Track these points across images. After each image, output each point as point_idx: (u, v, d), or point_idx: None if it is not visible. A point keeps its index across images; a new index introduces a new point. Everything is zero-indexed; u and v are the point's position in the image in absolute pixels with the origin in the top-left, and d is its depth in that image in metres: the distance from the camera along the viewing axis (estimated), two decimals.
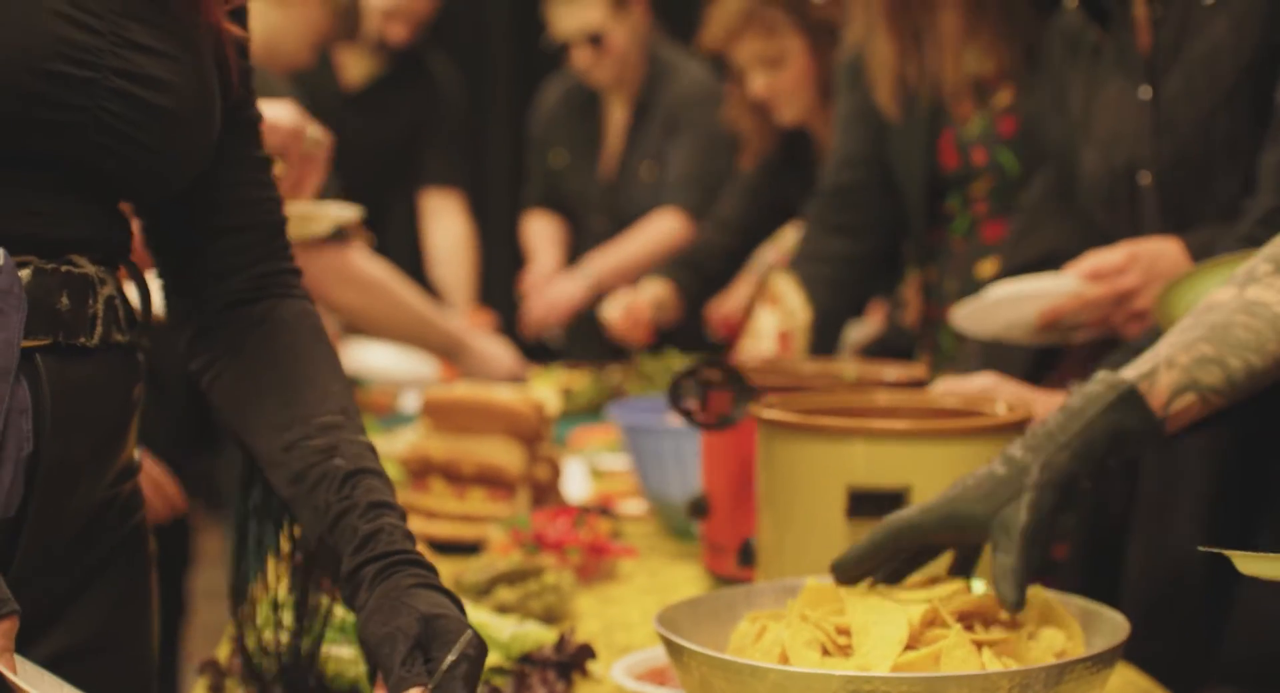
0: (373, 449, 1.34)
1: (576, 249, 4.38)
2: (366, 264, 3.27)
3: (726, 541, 1.94)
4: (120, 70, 1.25)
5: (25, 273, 1.24)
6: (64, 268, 1.26)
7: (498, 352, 3.51)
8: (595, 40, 4.11)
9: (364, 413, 3.27)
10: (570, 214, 4.45)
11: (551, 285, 4.17)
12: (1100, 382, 1.34)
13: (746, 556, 1.77)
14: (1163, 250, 1.93)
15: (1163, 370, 1.34)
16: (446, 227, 4.53)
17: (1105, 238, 2.06)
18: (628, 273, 4.10)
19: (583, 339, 4.30)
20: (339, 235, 3.21)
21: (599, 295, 4.09)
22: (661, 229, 4.11)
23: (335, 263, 3.21)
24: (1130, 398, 1.32)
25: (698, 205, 4.03)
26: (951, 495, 1.32)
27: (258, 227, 1.42)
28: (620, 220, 4.18)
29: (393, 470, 2.62)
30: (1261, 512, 1.82)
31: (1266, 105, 1.87)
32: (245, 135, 1.40)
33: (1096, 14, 2.07)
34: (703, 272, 3.82)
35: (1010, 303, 2.02)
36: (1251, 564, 1.20)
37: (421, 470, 2.30)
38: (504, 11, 5.90)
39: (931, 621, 1.29)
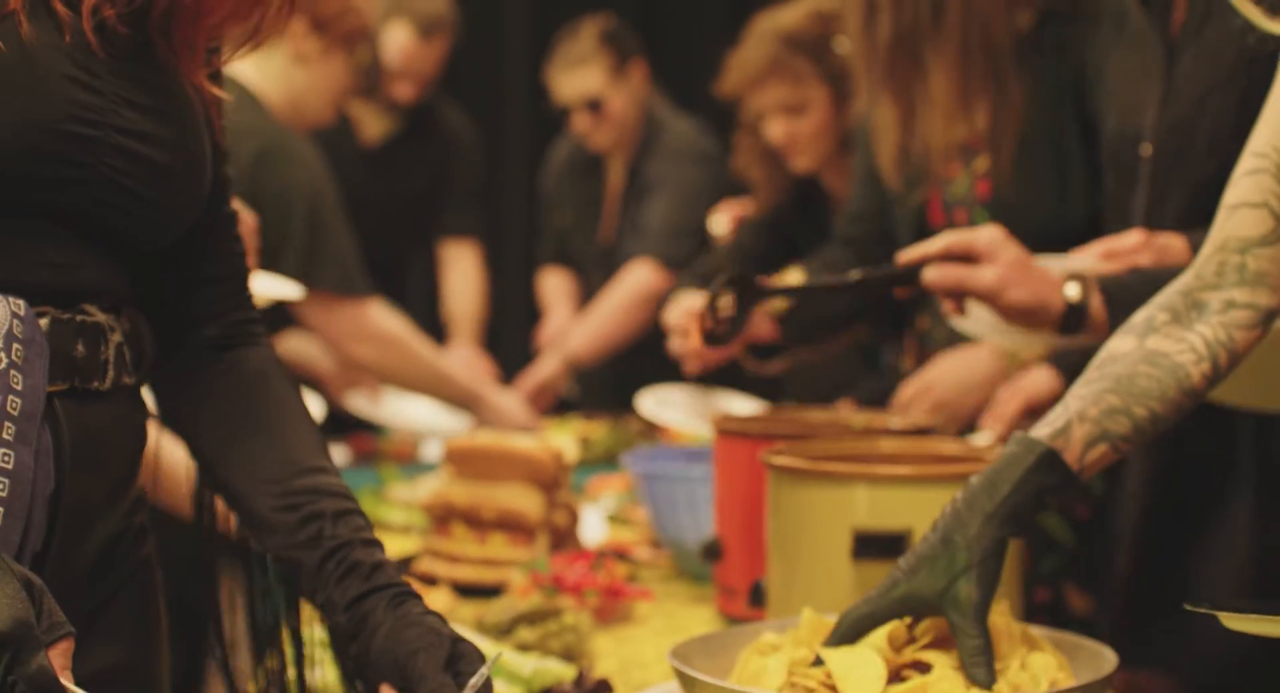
0: (348, 489, 1.44)
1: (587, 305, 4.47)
2: (384, 319, 3.36)
3: (738, 583, 2.02)
4: (121, 128, 1.33)
5: (44, 322, 1.31)
6: (78, 317, 1.34)
7: (511, 404, 3.61)
8: (594, 106, 4.24)
9: (387, 462, 3.38)
10: (581, 270, 4.54)
11: (527, 374, 4.23)
12: (1019, 444, 1.41)
13: (757, 596, 1.84)
14: (1170, 243, 1.99)
15: (1075, 425, 1.42)
16: (462, 272, 4.64)
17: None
18: (603, 336, 4.17)
19: (596, 390, 4.40)
20: (356, 288, 3.31)
21: (573, 368, 4.18)
22: (635, 282, 4.17)
23: (353, 318, 3.31)
24: (1048, 459, 1.40)
25: (673, 255, 4.11)
26: (897, 578, 1.38)
27: (232, 278, 1.52)
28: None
29: (416, 517, 2.71)
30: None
31: (1255, 104, 1.94)
32: (222, 191, 1.49)
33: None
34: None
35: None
36: (1239, 622, 1.28)
37: (444, 516, 2.38)
38: (521, 67, 6.00)
39: (906, 658, 1.36)
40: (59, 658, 1.11)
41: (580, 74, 4.24)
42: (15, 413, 1.26)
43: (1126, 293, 1.77)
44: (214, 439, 1.47)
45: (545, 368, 4.17)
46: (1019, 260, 1.81)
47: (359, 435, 3.71)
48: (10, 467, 1.26)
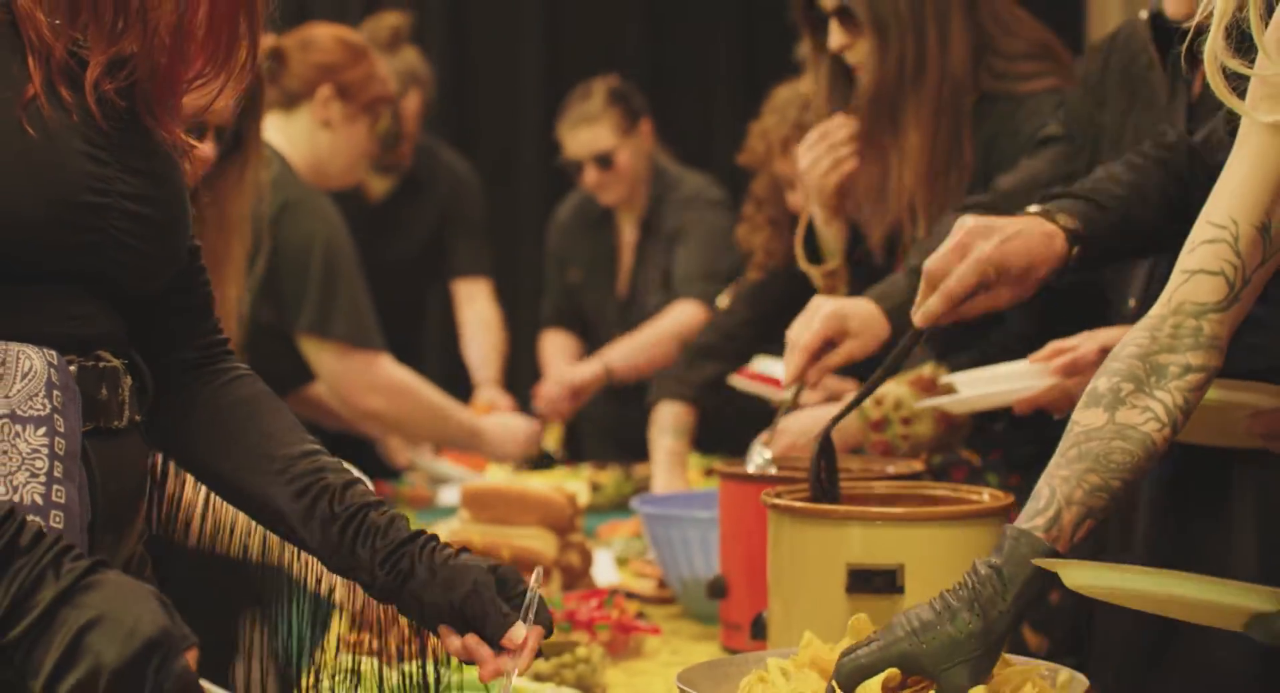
0: (344, 464, 1.60)
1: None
2: (394, 370, 3.49)
3: (742, 618, 2.14)
4: (125, 193, 1.47)
5: (73, 369, 1.45)
6: (99, 364, 1.48)
7: (510, 425, 3.75)
8: (605, 161, 4.40)
9: (404, 507, 3.51)
10: (587, 329, 4.68)
11: (566, 370, 4.39)
12: (1024, 543, 1.49)
13: (758, 628, 1.97)
14: (1114, 337, 2.12)
15: (1064, 511, 1.51)
16: (476, 311, 4.79)
17: None
18: (641, 358, 4.30)
19: (605, 441, 4.54)
20: (369, 341, 3.44)
21: (610, 380, 4.32)
22: (681, 318, 4.32)
23: (365, 369, 3.43)
24: (1049, 555, 1.49)
25: (711, 296, 4.25)
26: (899, 636, 1.47)
27: (201, 304, 1.66)
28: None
29: None
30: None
31: None
32: (189, 227, 1.62)
33: (1164, 52, 2.22)
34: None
35: (980, 399, 2.23)
36: (1076, 575, 1.43)
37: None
38: (533, 117, 6.15)
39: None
40: (190, 663, 1.26)
41: (591, 131, 4.41)
42: (62, 453, 1.41)
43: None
44: (209, 447, 1.62)
45: (585, 370, 4.33)
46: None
47: (376, 482, 3.84)
48: (63, 501, 1.40)
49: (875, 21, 2.59)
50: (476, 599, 1.50)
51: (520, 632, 1.52)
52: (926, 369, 2.58)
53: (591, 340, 4.68)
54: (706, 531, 2.37)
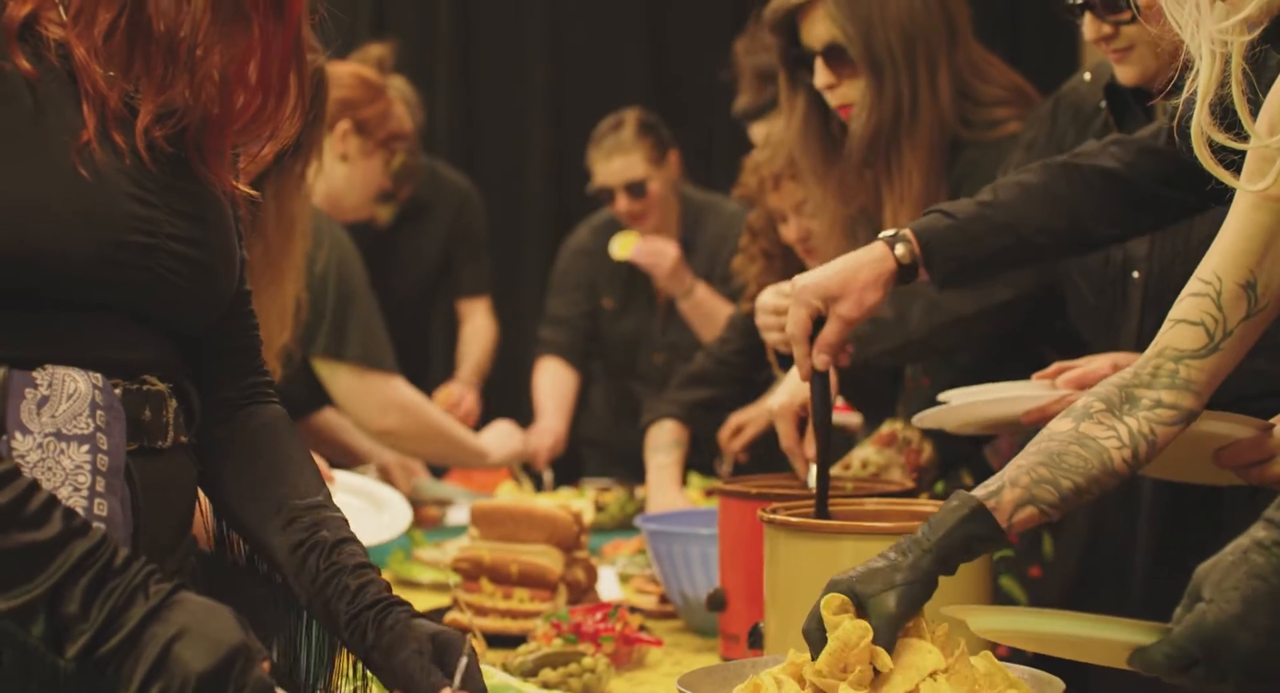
0: (346, 521, 1.72)
1: (627, 387, 4.71)
2: (407, 390, 3.60)
3: (740, 630, 2.24)
4: (173, 235, 1.57)
5: (118, 392, 1.55)
6: (144, 387, 1.58)
7: (502, 432, 3.87)
8: (638, 190, 4.53)
9: (414, 528, 3.60)
10: (599, 356, 4.81)
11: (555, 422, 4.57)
12: (957, 498, 1.66)
13: (755, 638, 2.06)
14: (1126, 357, 2.21)
15: (1007, 489, 1.67)
16: (474, 325, 4.98)
17: None
18: None
19: (608, 460, 4.66)
20: (384, 363, 3.55)
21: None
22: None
23: (381, 390, 3.54)
24: (980, 513, 1.65)
25: None
26: (852, 576, 1.63)
27: (248, 346, 1.78)
28: (679, 352, 4.50)
29: (446, 575, 2.93)
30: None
31: None
32: (241, 271, 1.74)
33: (1119, 114, 2.35)
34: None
35: (988, 404, 2.31)
36: (980, 620, 1.58)
37: (473, 572, 2.60)
38: (539, 147, 6.26)
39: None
40: (264, 672, 1.39)
41: (624, 160, 4.55)
42: (104, 469, 1.51)
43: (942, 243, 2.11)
44: (231, 484, 1.73)
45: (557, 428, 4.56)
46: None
47: None
48: (104, 514, 1.50)
49: (871, 63, 2.65)
50: (410, 665, 1.60)
51: None
52: (885, 427, 2.67)
53: (612, 364, 4.80)
54: (707, 547, 2.47)
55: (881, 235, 2.16)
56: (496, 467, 3.97)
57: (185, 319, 1.63)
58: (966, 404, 2.28)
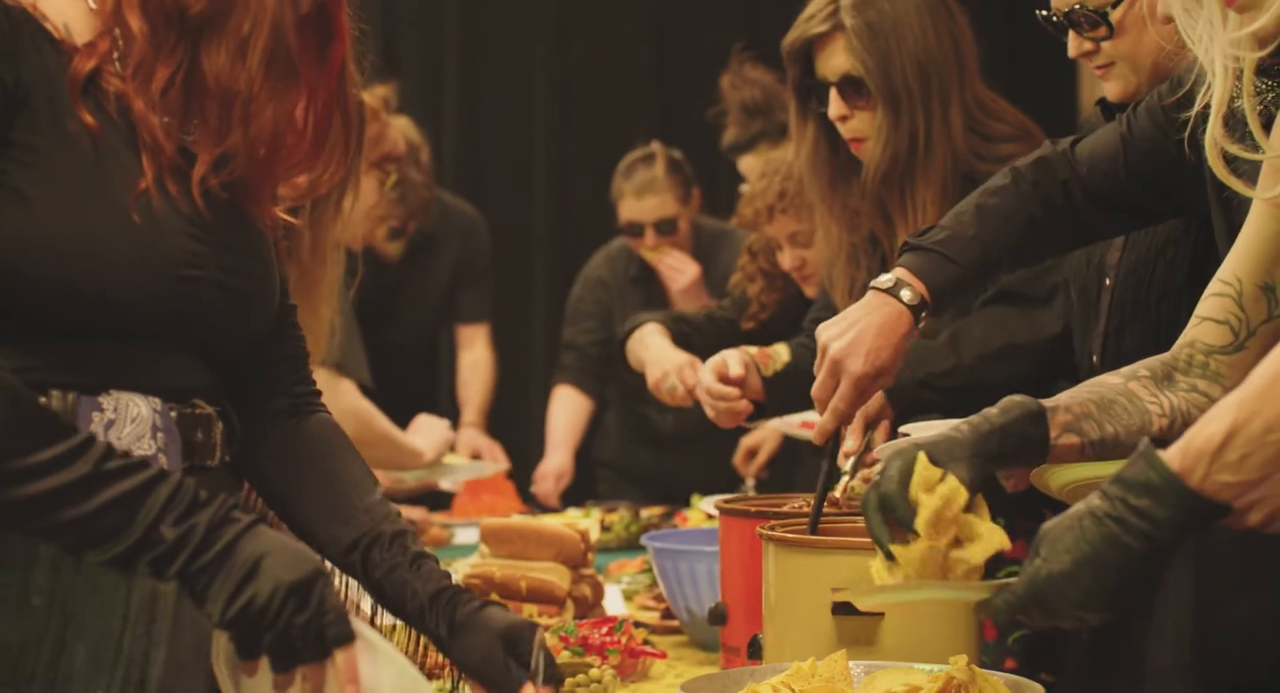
0: (400, 513, 1.83)
1: (640, 411, 4.83)
2: (359, 397, 3.71)
3: (740, 643, 2.34)
4: (220, 267, 1.69)
5: (173, 415, 1.67)
6: (195, 411, 1.70)
7: (428, 428, 3.98)
8: (668, 227, 4.71)
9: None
10: (614, 380, 4.93)
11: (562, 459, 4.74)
12: (1017, 400, 1.77)
13: (754, 649, 2.16)
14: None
15: (1060, 411, 1.79)
16: (473, 356, 5.10)
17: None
18: None
19: (617, 481, 4.78)
20: (353, 374, 3.67)
21: None
22: None
23: (345, 396, 3.63)
24: (1038, 417, 1.77)
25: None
26: (922, 444, 1.72)
27: (295, 356, 1.89)
28: None
29: None
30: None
31: (1207, 257, 2.29)
32: (283, 286, 1.86)
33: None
34: None
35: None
36: (868, 598, 1.76)
37: (483, 588, 2.70)
38: (545, 179, 6.37)
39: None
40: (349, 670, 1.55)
41: (657, 198, 4.72)
42: None
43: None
44: (284, 486, 1.85)
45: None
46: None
47: None
48: None
49: (888, 95, 2.70)
50: (488, 665, 1.72)
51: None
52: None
53: (626, 389, 4.91)
54: (710, 563, 2.57)
55: (877, 286, 2.22)
56: (430, 464, 4.06)
57: (229, 345, 1.75)
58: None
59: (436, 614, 1.75)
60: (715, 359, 2.85)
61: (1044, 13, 2.43)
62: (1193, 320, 1.84)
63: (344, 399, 3.63)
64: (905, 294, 2.20)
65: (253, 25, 1.63)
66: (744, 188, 4.22)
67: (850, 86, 2.74)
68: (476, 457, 4.65)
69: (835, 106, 2.75)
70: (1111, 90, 2.42)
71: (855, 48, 2.70)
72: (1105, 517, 1.49)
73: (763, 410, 2.96)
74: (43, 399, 1.57)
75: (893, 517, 1.69)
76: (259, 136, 1.66)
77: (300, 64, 1.67)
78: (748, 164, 4.40)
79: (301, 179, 1.79)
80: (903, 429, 2.37)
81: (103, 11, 1.63)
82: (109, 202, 1.60)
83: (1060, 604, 1.52)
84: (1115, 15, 2.33)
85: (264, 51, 1.63)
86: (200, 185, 1.65)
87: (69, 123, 1.59)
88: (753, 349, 2.92)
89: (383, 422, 3.81)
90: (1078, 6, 2.36)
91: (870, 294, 2.23)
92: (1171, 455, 1.47)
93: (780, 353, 2.92)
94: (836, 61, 2.74)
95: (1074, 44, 2.41)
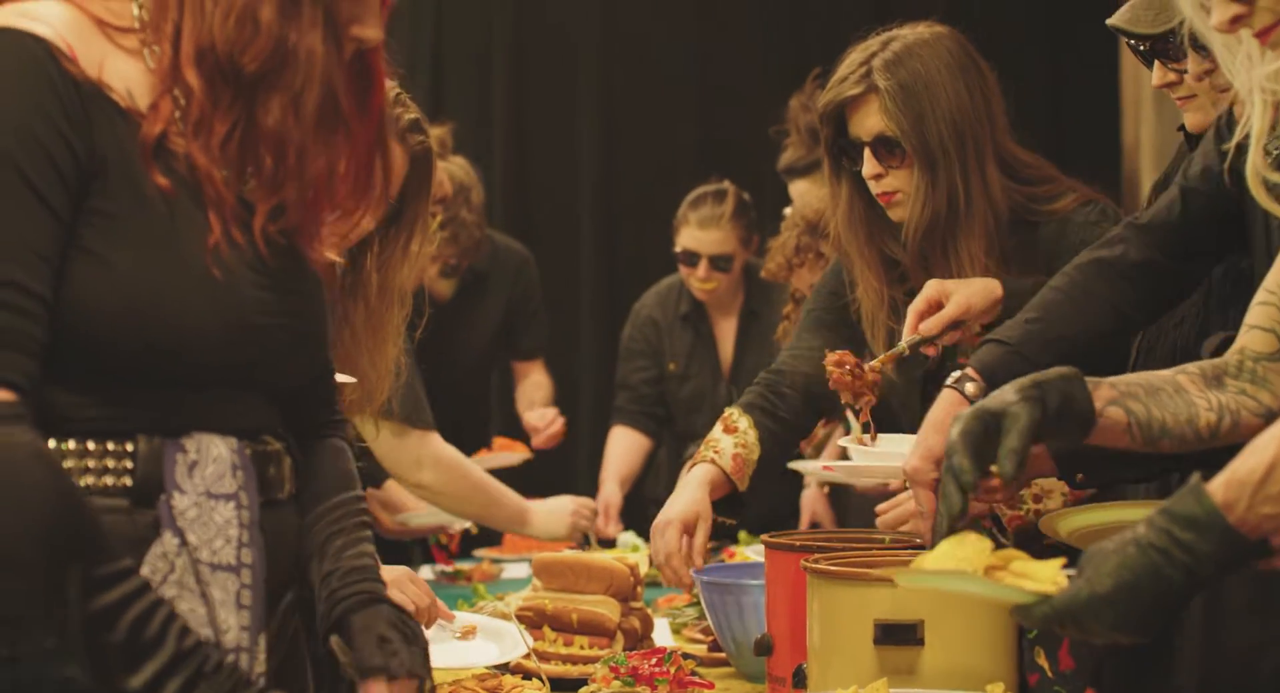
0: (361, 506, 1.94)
1: (690, 449, 4.88)
2: (443, 447, 3.75)
3: (786, 673, 2.40)
4: (285, 311, 1.77)
5: (248, 453, 1.76)
6: (267, 448, 1.80)
7: (556, 507, 4.01)
8: (724, 264, 4.81)
9: (475, 582, 3.76)
10: (665, 417, 5.03)
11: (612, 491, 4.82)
12: (1059, 368, 1.85)
13: (799, 679, 2.23)
14: None
15: (1106, 387, 1.86)
16: (532, 381, 5.18)
17: None
18: None
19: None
20: (421, 421, 3.70)
21: None
22: None
23: (419, 445, 3.69)
24: (1079, 383, 1.84)
25: None
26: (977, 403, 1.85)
27: (322, 385, 1.96)
28: None
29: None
30: None
31: (1218, 317, 2.35)
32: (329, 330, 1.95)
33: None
34: None
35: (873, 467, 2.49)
36: (904, 578, 1.79)
37: (536, 621, 2.78)
38: (591, 218, 6.47)
39: None
40: None
41: (720, 233, 4.81)
42: (246, 522, 1.73)
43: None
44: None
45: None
46: (963, 284, 2.47)
47: (441, 552, 4.12)
48: (250, 562, 1.73)
49: (924, 155, 2.72)
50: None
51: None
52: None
53: (674, 425, 5.03)
54: (756, 596, 2.64)
55: (947, 383, 2.31)
56: (534, 537, 4.04)
57: (290, 382, 1.84)
58: (864, 465, 2.48)
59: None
60: (666, 534, 2.81)
61: (1132, 42, 2.51)
62: (1243, 328, 1.90)
63: (428, 450, 3.66)
64: (968, 387, 2.28)
65: (305, 80, 1.69)
66: (786, 211, 4.30)
67: (884, 146, 2.77)
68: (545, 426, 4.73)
69: (869, 166, 2.78)
70: (1191, 121, 2.49)
71: (889, 109, 2.73)
72: (1150, 547, 1.56)
73: (735, 531, 2.97)
74: (129, 445, 1.67)
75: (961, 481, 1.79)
76: (311, 184, 1.74)
77: (349, 117, 1.75)
78: (799, 188, 4.47)
79: (342, 222, 1.87)
80: (843, 442, 2.47)
81: (160, 71, 1.70)
82: (184, 260, 1.68)
83: (1095, 625, 1.59)
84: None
85: (316, 105, 1.70)
86: (262, 235, 1.73)
87: (143, 187, 1.67)
88: (725, 460, 2.91)
89: (477, 473, 3.81)
90: (1167, 36, 2.43)
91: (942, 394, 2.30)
92: (1216, 487, 1.54)
93: (751, 451, 2.92)
94: (870, 122, 2.77)
95: (1158, 73, 2.49)
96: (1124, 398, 1.85)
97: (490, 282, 5.01)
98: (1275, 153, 1.78)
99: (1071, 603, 1.60)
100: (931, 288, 2.55)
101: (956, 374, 2.31)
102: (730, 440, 2.88)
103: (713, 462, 2.85)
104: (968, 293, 2.54)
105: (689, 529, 2.77)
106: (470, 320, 4.93)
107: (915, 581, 1.83)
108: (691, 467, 2.89)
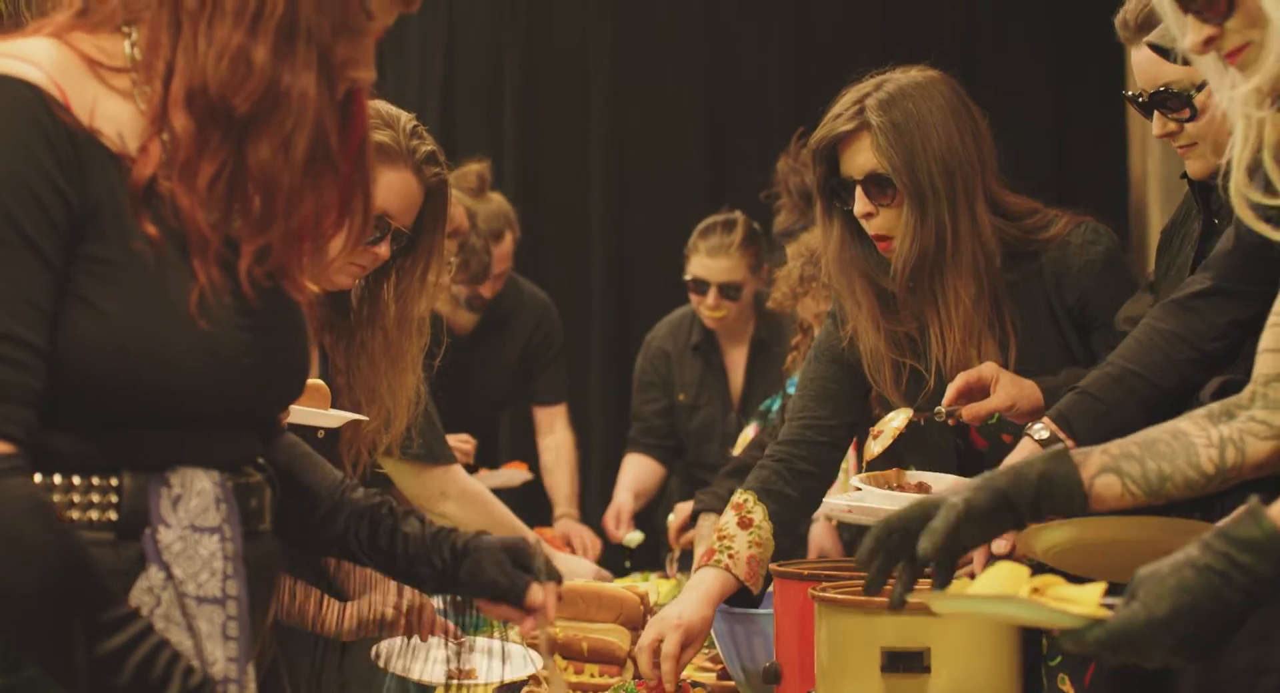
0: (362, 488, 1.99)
1: (701, 479, 4.91)
2: (466, 479, 3.76)
3: None
4: (270, 347, 1.78)
5: (230, 486, 1.77)
6: (250, 480, 1.81)
7: (578, 568, 4.02)
8: (733, 292, 4.84)
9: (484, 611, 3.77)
10: (677, 447, 5.05)
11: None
12: (1052, 449, 1.86)
13: None
14: None
15: (1096, 454, 1.85)
16: (555, 440, 5.15)
17: None
18: None
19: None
20: (444, 456, 3.71)
21: None
22: None
23: (440, 479, 3.70)
24: (1063, 457, 1.84)
25: None
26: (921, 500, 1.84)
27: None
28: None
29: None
30: None
31: None
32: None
33: (1203, 199, 2.54)
34: None
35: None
36: (943, 604, 1.76)
37: (546, 649, 2.80)
38: (601, 256, 6.51)
39: None
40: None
41: (729, 261, 4.84)
42: (230, 554, 1.74)
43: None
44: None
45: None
46: (1014, 380, 2.49)
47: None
48: (235, 593, 1.74)
49: (914, 193, 2.72)
50: (500, 576, 1.91)
51: (537, 594, 1.92)
52: (893, 472, 2.79)
53: (686, 455, 5.05)
54: (764, 624, 2.66)
55: (1025, 430, 2.38)
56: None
57: (273, 413, 1.88)
58: (870, 507, 2.55)
59: (439, 546, 1.92)
60: (650, 638, 2.70)
61: (1130, 93, 2.55)
62: (1257, 356, 1.90)
63: (450, 483, 3.60)
64: (1040, 434, 2.34)
65: (296, 122, 1.69)
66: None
67: (875, 184, 2.76)
68: (569, 545, 4.65)
69: (860, 204, 2.77)
70: (1193, 168, 2.54)
71: (881, 146, 2.74)
72: (1208, 569, 1.56)
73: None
74: (115, 480, 1.69)
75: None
76: (299, 226, 1.74)
77: (339, 158, 1.74)
78: (797, 250, 4.49)
79: (319, 253, 1.85)
80: (857, 481, 2.51)
81: (150, 114, 1.69)
82: (172, 306, 1.68)
83: (1154, 649, 1.59)
84: (1199, 98, 2.45)
85: (306, 147, 1.70)
86: (248, 277, 1.73)
87: (132, 233, 1.67)
88: (740, 566, 2.80)
89: (499, 508, 3.75)
90: (1163, 89, 2.48)
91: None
92: (1276, 510, 1.55)
93: (766, 549, 2.83)
94: (862, 159, 2.77)
95: (1158, 124, 2.53)
96: (1117, 461, 1.85)
97: (513, 323, 5.03)
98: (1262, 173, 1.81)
99: (1128, 627, 1.59)
100: (987, 370, 2.57)
101: (1043, 434, 2.35)
102: (745, 538, 2.79)
103: (726, 569, 2.76)
104: (1015, 393, 2.55)
105: (687, 642, 2.69)
106: (486, 357, 4.95)
107: (955, 606, 1.79)
108: (703, 565, 2.79)
